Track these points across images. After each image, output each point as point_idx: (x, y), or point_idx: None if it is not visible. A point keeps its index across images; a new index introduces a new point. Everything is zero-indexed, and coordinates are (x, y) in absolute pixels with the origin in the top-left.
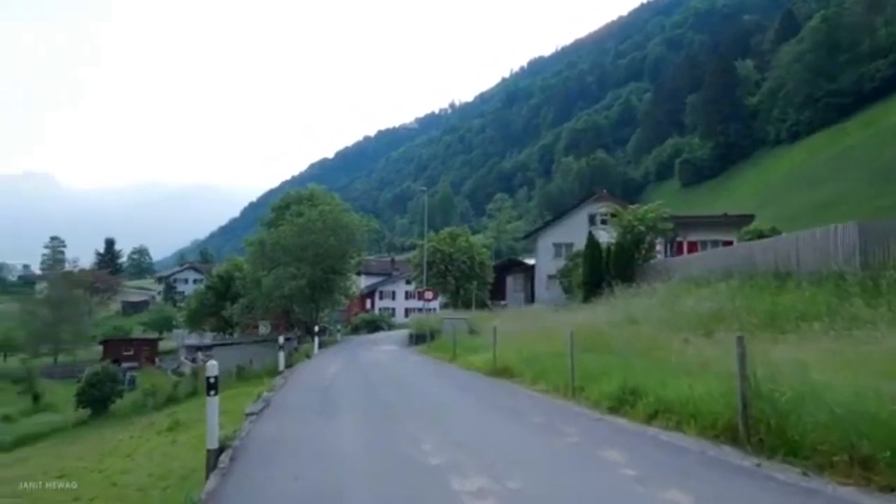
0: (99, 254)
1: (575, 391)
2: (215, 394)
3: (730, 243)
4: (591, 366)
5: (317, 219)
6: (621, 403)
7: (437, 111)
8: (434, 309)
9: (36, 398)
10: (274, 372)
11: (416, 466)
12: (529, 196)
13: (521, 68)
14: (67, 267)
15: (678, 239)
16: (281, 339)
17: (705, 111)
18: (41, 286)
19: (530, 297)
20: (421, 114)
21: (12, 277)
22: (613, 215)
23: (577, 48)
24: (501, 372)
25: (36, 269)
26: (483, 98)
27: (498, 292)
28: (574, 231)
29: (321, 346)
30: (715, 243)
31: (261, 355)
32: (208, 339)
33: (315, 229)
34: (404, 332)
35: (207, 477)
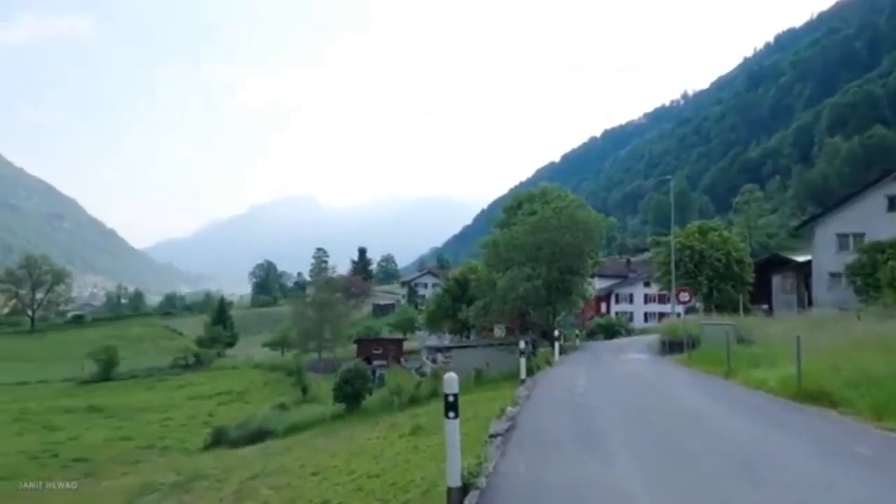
0: (353, 262)
1: None
2: (455, 416)
3: None
4: None
5: (551, 216)
6: None
7: (667, 104)
8: (679, 314)
9: (304, 390)
10: (512, 377)
11: None
12: (784, 186)
13: (767, 45)
14: (329, 274)
15: None
16: (522, 344)
17: None
18: (309, 290)
19: (804, 300)
20: (649, 108)
21: (290, 284)
22: None
23: (839, 12)
24: (811, 396)
25: (306, 276)
26: (720, 83)
27: (759, 294)
28: (866, 218)
29: (560, 351)
30: None
31: (497, 359)
32: (446, 340)
33: (549, 227)
34: (649, 339)
35: None
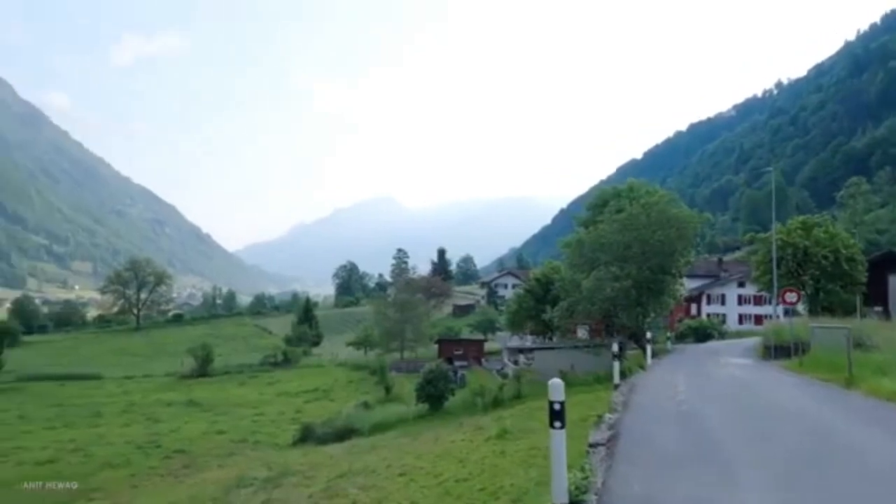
0: (433, 263)
1: None
2: (562, 426)
3: None
4: None
5: (640, 213)
6: None
7: (759, 94)
8: (777, 316)
9: (387, 390)
10: (598, 380)
11: None
12: (895, 178)
13: (872, 26)
14: (409, 275)
15: None
16: (615, 347)
17: None
18: (390, 291)
19: None
20: (739, 99)
21: (371, 284)
22: None
23: None
24: None
25: (387, 277)
26: (820, 70)
27: (873, 295)
28: None
29: (652, 354)
30: None
31: (582, 361)
32: (528, 341)
33: (638, 224)
34: (747, 342)
35: None
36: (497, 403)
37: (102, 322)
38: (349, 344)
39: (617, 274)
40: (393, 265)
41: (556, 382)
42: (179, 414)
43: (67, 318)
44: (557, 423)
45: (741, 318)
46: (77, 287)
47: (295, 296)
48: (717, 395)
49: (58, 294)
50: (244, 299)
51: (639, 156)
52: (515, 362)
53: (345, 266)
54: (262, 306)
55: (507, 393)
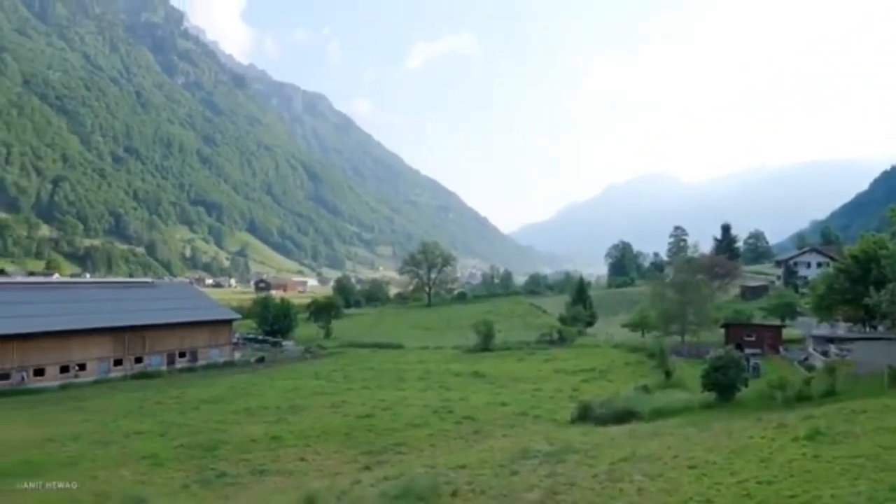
0: (716, 240)
1: None
2: None
3: None
4: None
5: None
6: None
7: None
8: None
9: (668, 374)
10: None
11: None
12: None
13: None
14: (689, 253)
15: None
16: None
17: None
18: (668, 271)
19: None
20: None
21: (645, 264)
22: None
23: None
24: None
25: (664, 256)
26: None
27: None
28: None
29: None
30: None
31: None
32: (840, 329)
33: None
34: None
35: None
36: (802, 399)
37: (401, 299)
38: (624, 325)
39: None
40: (670, 243)
41: None
42: (467, 384)
43: (374, 295)
44: None
45: None
46: (381, 268)
47: (567, 275)
48: None
49: (367, 274)
50: (519, 279)
51: None
52: (825, 353)
53: (617, 245)
54: (536, 285)
55: (817, 388)
